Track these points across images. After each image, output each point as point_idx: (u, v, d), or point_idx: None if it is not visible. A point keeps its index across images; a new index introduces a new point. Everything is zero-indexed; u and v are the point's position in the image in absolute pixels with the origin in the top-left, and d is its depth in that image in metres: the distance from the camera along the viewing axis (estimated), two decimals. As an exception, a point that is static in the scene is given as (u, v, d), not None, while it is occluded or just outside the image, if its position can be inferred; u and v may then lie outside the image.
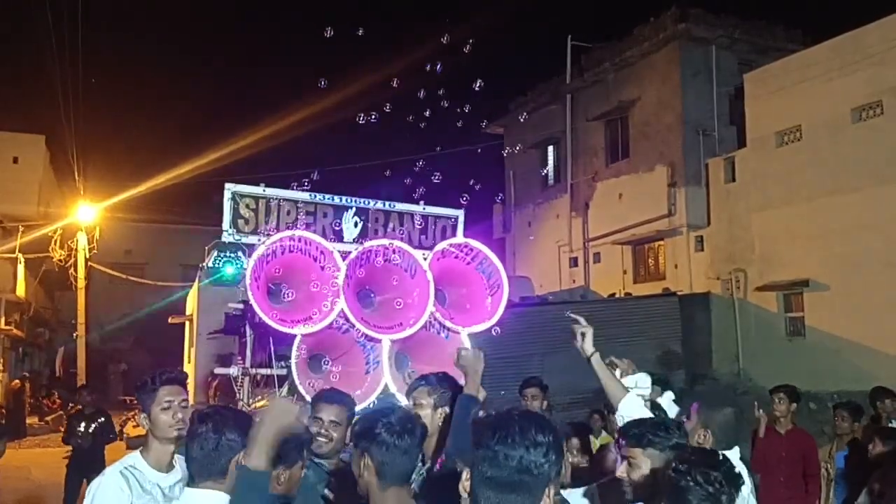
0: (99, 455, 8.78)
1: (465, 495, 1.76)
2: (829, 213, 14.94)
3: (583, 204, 21.80)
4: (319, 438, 3.32)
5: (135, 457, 3.10)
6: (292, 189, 5.15)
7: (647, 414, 3.34)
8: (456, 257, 5.21)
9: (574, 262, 22.21)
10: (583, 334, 3.44)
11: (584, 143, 22.01)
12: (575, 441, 4.95)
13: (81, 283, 22.73)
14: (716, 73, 18.75)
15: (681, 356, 16.14)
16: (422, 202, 5.59)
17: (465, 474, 1.76)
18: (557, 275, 22.37)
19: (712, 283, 17.92)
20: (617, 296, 19.37)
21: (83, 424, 9.09)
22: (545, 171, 23.88)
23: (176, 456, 3.13)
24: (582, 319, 3.51)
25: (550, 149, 23.77)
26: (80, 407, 9.71)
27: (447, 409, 3.20)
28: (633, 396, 3.44)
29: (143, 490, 2.99)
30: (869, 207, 14.26)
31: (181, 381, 3.21)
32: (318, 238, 4.81)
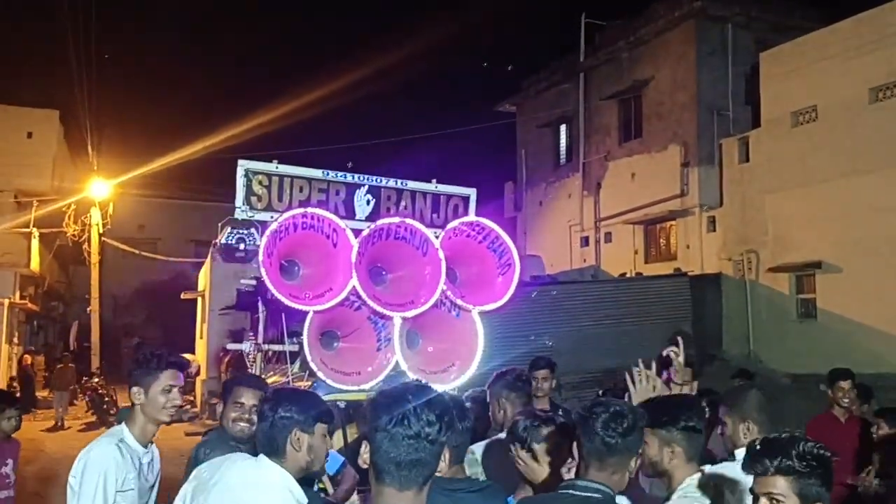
0: None
1: (364, 466, 1.91)
2: (843, 195, 14.82)
3: (595, 183, 21.72)
4: (241, 423, 3.41)
5: (121, 429, 3.09)
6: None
7: None
8: (468, 236, 5.18)
9: (585, 241, 22.17)
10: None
11: (597, 122, 21.88)
12: None
13: (95, 257, 22.91)
14: (731, 52, 18.53)
15: (691, 337, 16.08)
16: (434, 180, 5.56)
17: (365, 448, 1.89)
18: (568, 254, 22.34)
19: (724, 263, 17.86)
20: (628, 276, 19.34)
21: None
22: (558, 150, 23.78)
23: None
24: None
25: (563, 128, 23.65)
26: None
27: None
28: None
29: (133, 465, 2.99)
30: (884, 189, 14.13)
31: (183, 367, 3.24)
32: (330, 215, 4.80)
